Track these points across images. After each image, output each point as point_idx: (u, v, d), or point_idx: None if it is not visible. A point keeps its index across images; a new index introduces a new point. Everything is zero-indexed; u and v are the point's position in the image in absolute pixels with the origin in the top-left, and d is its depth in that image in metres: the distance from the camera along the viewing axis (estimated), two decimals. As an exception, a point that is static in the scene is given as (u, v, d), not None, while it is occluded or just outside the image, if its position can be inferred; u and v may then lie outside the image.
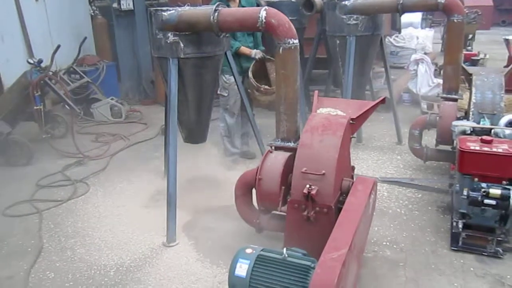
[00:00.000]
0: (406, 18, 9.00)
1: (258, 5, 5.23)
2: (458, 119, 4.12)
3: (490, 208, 3.16)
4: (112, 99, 7.11)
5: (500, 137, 3.45)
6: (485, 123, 3.76)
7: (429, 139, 4.98)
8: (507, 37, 7.87)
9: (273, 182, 3.01)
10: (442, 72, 5.02)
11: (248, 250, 2.35)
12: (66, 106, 5.73)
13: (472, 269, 3.18)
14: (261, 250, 2.35)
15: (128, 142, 6.07)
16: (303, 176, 2.80)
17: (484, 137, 3.30)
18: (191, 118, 4.10)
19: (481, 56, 8.10)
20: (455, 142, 3.69)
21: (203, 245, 3.56)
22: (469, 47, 9.98)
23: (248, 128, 5.10)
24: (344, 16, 4.90)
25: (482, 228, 3.36)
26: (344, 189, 2.93)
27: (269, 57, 4.83)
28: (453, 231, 3.45)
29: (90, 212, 4.18)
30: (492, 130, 3.57)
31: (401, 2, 4.57)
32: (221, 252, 3.38)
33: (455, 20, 4.43)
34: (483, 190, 3.14)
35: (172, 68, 3.61)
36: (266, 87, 4.72)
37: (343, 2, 4.88)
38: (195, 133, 4.31)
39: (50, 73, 5.56)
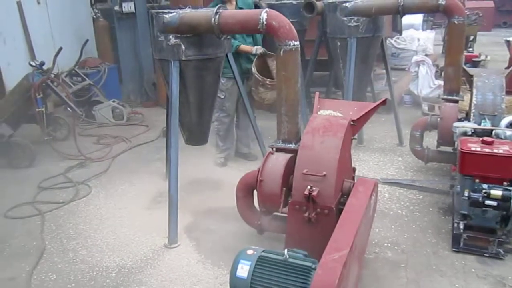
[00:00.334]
0: (407, 20, 8.99)
1: (256, 6, 5.25)
2: (459, 120, 4.12)
3: (491, 209, 3.16)
4: (113, 101, 7.12)
5: (501, 138, 3.45)
6: (486, 125, 3.76)
7: (430, 140, 4.97)
8: (508, 39, 7.88)
9: (274, 184, 3.02)
10: (443, 73, 5.02)
11: (249, 251, 2.36)
12: (68, 109, 5.74)
13: (473, 270, 3.18)
14: (262, 251, 2.36)
15: (130, 144, 6.08)
16: (304, 178, 2.81)
17: (485, 138, 3.30)
18: (193, 120, 4.11)
19: (482, 57, 8.09)
20: (456, 143, 3.68)
21: (205, 246, 3.57)
22: (470, 49, 9.95)
23: (249, 130, 5.11)
24: (345, 18, 4.91)
25: (483, 229, 3.36)
26: (345, 190, 2.94)
27: (270, 52, 4.84)
28: (454, 232, 3.45)
29: (92, 214, 4.19)
30: (493, 132, 3.56)
31: (402, 3, 4.57)
32: (222, 253, 3.39)
33: (456, 22, 4.43)
34: (484, 191, 3.14)
35: (174, 70, 3.62)
36: (271, 80, 4.71)
37: (344, 4, 4.88)
38: (197, 135, 4.31)
39: (52, 75, 5.56)
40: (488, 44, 12.54)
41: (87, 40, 7.11)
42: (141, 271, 3.28)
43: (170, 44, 3.54)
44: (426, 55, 8.61)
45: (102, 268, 3.34)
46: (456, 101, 4.52)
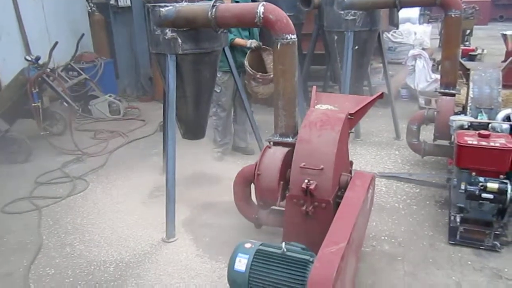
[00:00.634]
0: (403, 13, 8.95)
1: (252, 0, 5.22)
2: (456, 114, 4.13)
3: (488, 202, 3.18)
4: (110, 96, 7.09)
5: (498, 132, 3.46)
6: (483, 118, 3.77)
7: (427, 134, 4.99)
8: (504, 32, 7.88)
9: (271, 177, 3.02)
10: (439, 67, 5.02)
11: (247, 245, 2.36)
12: (64, 103, 5.71)
13: (470, 262, 3.20)
14: (260, 245, 2.36)
15: (127, 138, 6.07)
16: (301, 171, 2.81)
17: (482, 131, 3.31)
18: (190, 114, 4.10)
19: (479, 51, 8.11)
20: (453, 136, 3.70)
21: (202, 240, 3.58)
22: (467, 42, 9.98)
23: (246, 124, 5.10)
24: (342, 12, 4.90)
25: (480, 222, 3.38)
26: (343, 184, 2.94)
27: (265, 46, 4.83)
28: (451, 225, 3.47)
29: (89, 208, 4.19)
30: (490, 125, 3.58)
31: (398, -3, 4.57)
32: (220, 247, 3.39)
33: (453, 15, 4.43)
34: (480, 184, 3.15)
35: (170, 64, 3.61)
36: (263, 74, 4.70)
37: (341, -2, 4.87)
38: (194, 129, 4.31)
39: (48, 70, 5.54)
40: (484, 38, 12.55)
41: (82, 35, 7.07)
42: (139, 265, 3.29)
43: (166, 38, 3.53)
44: (423, 49, 8.60)
45: (100, 263, 3.34)
46: (453, 95, 4.54)
